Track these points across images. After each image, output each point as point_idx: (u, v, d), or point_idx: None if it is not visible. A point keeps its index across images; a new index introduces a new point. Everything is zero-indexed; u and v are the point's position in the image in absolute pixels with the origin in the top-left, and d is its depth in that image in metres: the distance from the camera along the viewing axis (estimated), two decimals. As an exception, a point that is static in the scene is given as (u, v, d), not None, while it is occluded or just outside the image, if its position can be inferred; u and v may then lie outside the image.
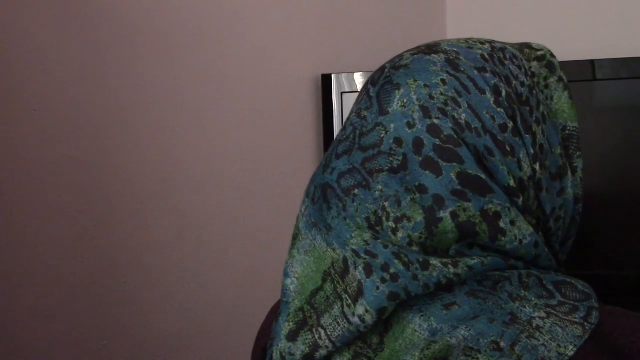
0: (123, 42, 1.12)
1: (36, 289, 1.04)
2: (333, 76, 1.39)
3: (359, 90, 1.38)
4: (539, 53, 0.59)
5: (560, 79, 0.58)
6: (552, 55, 0.59)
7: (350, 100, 1.39)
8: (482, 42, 0.56)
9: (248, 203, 1.31)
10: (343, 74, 1.39)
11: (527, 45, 0.59)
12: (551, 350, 0.45)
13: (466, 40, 0.55)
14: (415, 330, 0.48)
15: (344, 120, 1.40)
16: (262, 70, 1.32)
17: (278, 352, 0.52)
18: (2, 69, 0.99)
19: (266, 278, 1.28)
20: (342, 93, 1.39)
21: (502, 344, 0.46)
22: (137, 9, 1.14)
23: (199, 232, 1.24)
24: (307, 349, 0.50)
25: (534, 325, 0.46)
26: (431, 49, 0.54)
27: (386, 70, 0.55)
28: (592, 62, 1.25)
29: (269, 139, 1.33)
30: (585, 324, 0.46)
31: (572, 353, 0.45)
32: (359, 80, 1.40)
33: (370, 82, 0.55)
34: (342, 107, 1.39)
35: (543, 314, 0.47)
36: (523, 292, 0.48)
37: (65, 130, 1.06)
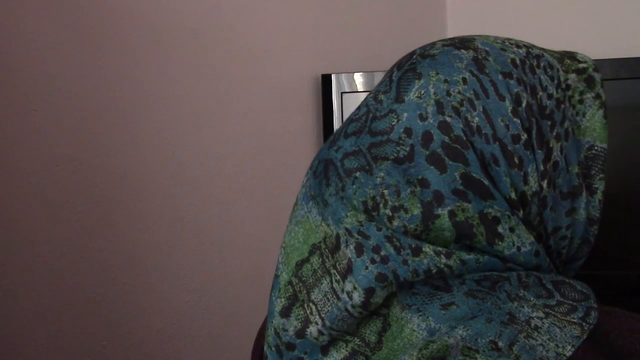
0: (122, 42, 1.12)
1: (36, 289, 1.04)
2: (333, 76, 1.39)
3: (359, 90, 1.39)
4: (581, 65, 0.57)
5: (597, 96, 0.56)
6: (596, 70, 0.57)
7: (350, 100, 1.39)
8: (519, 46, 0.54)
9: (248, 203, 1.31)
10: (343, 74, 1.40)
11: (571, 55, 0.58)
12: (549, 350, 0.45)
13: (503, 41, 0.54)
14: (414, 330, 0.48)
15: (344, 120, 1.40)
16: (262, 70, 1.32)
17: (272, 329, 0.52)
18: (2, 69, 0.99)
19: (265, 279, 1.27)
20: (342, 93, 1.39)
21: (500, 344, 0.46)
22: (137, 10, 1.14)
23: (198, 232, 1.24)
24: (299, 324, 0.50)
25: (532, 325, 0.46)
26: (464, 43, 0.53)
27: (414, 56, 0.54)
28: (592, 62, 1.24)
29: (269, 139, 1.33)
30: (584, 324, 0.46)
31: (570, 353, 0.45)
32: (359, 80, 1.40)
33: (396, 66, 0.55)
34: (342, 107, 1.39)
35: (541, 314, 0.47)
36: (522, 291, 0.48)
37: (65, 130, 1.06)
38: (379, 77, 1.37)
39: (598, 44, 1.41)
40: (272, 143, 1.34)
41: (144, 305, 1.17)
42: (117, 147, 1.12)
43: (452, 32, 1.65)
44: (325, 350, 0.50)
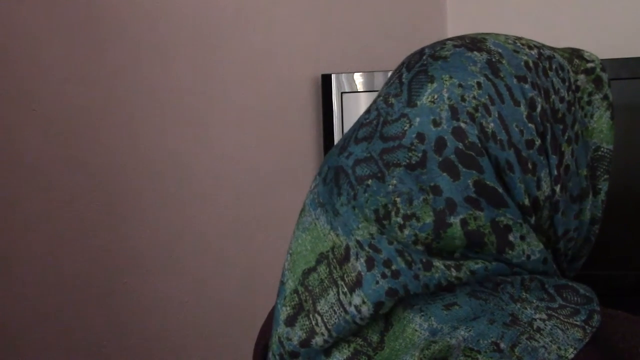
0: (123, 41, 1.12)
1: (36, 289, 1.04)
2: (333, 76, 1.39)
3: (359, 90, 1.39)
4: (589, 65, 0.56)
5: (605, 97, 0.56)
6: (603, 69, 0.57)
7: (350, 100, 1.39)
8: (531, 47, 0.53)
9: (248, 203, 1.31)
10: (343, 74, 1.39)
11: (579, 54, 0.57)
12: (551, 352, 0.45)
13: (514, 42, 0.53)
14: (416, 330, 0.48)
15: (344, 120, 1.41)
16: (263, 71, 1.32)
17: (276, 336, 0.52)
18: (2, 69, 0.99)
19: (266, 279, 1.27)
20: (342, 93, 1.39)
21: (502, 345, 0.46)
22: (138, 9, 1.14)
23: (198, 232, 1.24)
24: (304, 334, 0.50)
25: (535, 327, 0.46)
26: (475, 44, 0.52)
27: (424, 57, 0.52)
28: (592, 62, 1.24)
29: (269, 139, 1.33)
30: (586, 327, 0.46)
31: (572, 356, 0.45)
32: (359, 80, 1.40)
33: (405, 66, 0.53)
34: (342, 107, 1.39)
35: (544, 316, 0.47)
36: (524, 294, 0.48)
37: (65, 130, 1.06)
38: (379, 77, 1.37)
39: (598, 44, 1.41)
40: (272, 143, 1.34)
41: (145, 305, 1.17)
42: (117, 147, 1.12)
43: (452, 32, 1.65)
44: (327, 351, 0.50)
